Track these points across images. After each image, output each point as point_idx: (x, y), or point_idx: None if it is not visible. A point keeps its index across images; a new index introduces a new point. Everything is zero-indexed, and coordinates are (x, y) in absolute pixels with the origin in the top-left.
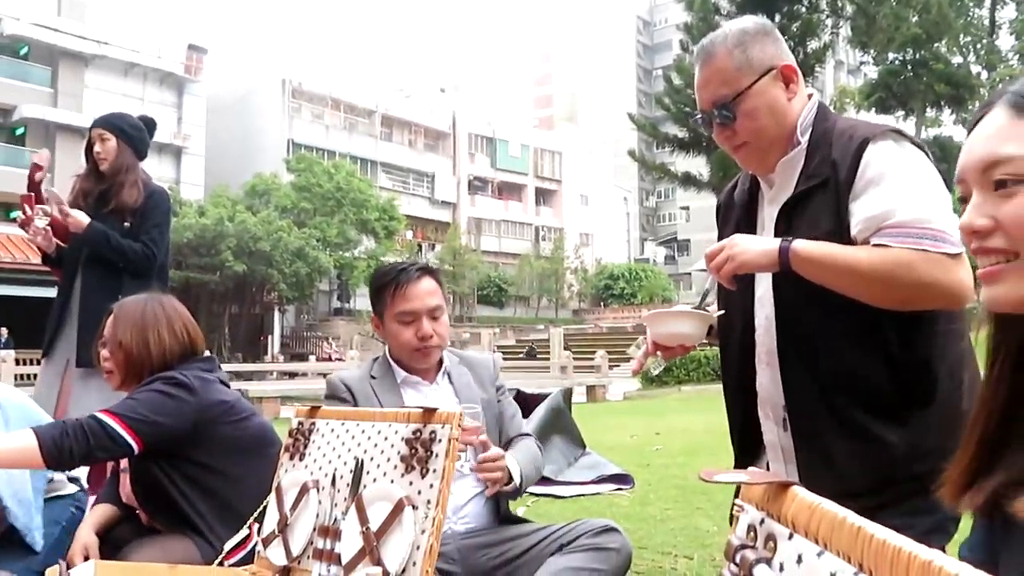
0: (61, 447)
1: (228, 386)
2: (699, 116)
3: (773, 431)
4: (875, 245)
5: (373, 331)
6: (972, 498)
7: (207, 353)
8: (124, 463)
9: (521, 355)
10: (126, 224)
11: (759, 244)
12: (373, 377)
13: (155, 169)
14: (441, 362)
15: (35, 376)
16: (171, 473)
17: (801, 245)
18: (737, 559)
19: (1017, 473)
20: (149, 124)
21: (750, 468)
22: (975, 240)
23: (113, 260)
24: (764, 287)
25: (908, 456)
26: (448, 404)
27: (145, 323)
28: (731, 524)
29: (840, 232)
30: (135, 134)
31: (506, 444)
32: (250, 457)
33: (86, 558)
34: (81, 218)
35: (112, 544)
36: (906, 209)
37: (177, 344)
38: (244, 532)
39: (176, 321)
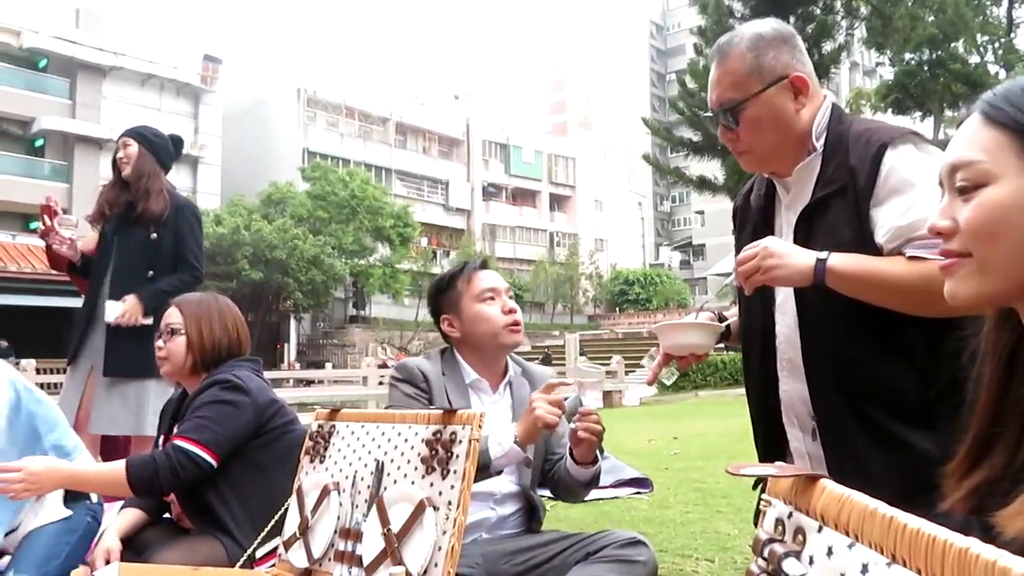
0: (151, 483)
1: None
2: (708, 115)
3: (799, 439)
4: (909, 257)
5: (443, 335)
6: (957, 496)
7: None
8: None
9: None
10: (153, 236)
11: (794, 260)
12: (444, 374)
13: (172, 179)
14: (507, 370)
15: (55, 385)
16: (217, 473)
17: (837, 262)
18: (765, 553)
19: (997, 471)
20: (176, 141)
21: (776, 462)
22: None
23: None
24: (784, 294)
25: (942, 462)
26: (502, 421)
27: (211, 316)
28: (756, 521)
29: (862, 239)
30: (157, 141)
31: (552, 458)
32: (290, 462)
33: (107, 562)
34: (138, 311)
35: (136, 549)
36: None
37: (239, 340)
38: (276, 541)
39: (230, 318)
